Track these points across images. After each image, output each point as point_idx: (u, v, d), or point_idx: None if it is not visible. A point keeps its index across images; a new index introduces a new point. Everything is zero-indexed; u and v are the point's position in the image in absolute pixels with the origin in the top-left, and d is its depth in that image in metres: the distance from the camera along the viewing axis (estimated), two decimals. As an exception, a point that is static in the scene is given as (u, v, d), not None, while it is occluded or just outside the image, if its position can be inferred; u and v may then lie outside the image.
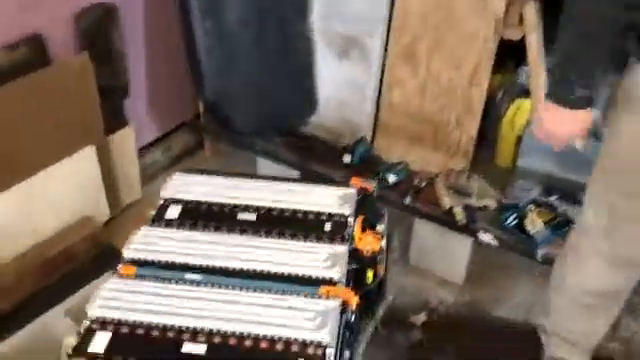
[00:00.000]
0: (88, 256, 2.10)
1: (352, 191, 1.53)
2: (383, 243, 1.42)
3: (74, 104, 2.06)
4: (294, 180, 1.60)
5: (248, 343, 1.13)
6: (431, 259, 2.22)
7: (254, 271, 1.29)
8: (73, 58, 2.04)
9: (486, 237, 2.00)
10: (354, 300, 1.25)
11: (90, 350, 1.11)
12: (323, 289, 1.24)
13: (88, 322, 1.16)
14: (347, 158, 2.28)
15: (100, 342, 1.12)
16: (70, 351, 1.10)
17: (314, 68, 2.44)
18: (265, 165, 2.49)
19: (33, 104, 1.94)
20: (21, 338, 1.66)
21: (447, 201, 2.06)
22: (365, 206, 1.51)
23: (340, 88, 2.43)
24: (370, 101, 2.40)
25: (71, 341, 1.11)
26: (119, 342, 1.13)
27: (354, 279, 1.34)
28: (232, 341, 1.13)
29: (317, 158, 2.38)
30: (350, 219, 1.44)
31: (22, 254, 2.04)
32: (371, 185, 1.56)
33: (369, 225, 1.46)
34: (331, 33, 2.31)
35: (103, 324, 1.16)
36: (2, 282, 1.95)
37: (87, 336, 1.13)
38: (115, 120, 2.31)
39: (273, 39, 2.32)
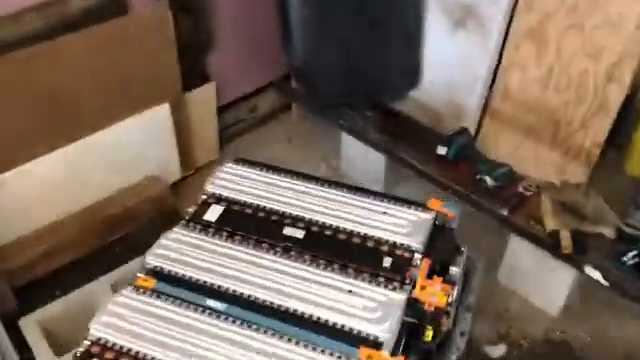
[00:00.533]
0: (149, 218, 2.00)
1: (427, 217, 1.25)
2: (454, 294, 1.14)
3: (149, 57, 1.91)
4: (359, 190, 1.33)
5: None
6: (523, 282, 1.90)
7: (285, 310, 1.07)
8: (151, 8, 1.86)
9: (595, 274, 1.64)
10: (402, 366, 1.00)
11: None
12: (363, 353, 1.00)
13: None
14: (442, 150, 1.97)
15: None
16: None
17: (421, 36, 2.12)
18: (349, 142, 2.24)
19: (105, 54, 1.81)
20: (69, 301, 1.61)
21: (552, 223, 1.71)
22: (440, 238, 1.23)
23: (449, 63, 2.12)
24: (482, 82, 2.07)
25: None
26: None
27: (408, 334, 1.09)
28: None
29: (408, 143, 2.09)
30: (417, 256, 1.17)
31: (86, 209, 1.97)
32: (453, 212, 1.26)
33: (440, 266, 1.18)
34: (447, -3, 1.97)
35: None
36: (65, 237, 1.90)
37: None
38: (196, 76, 2.15)
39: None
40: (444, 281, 1.15)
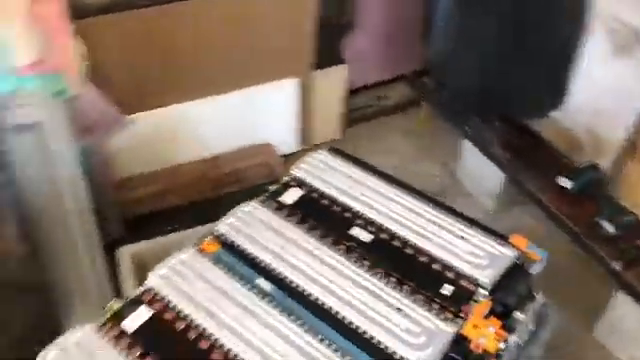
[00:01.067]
0: (254, 183, 2.08)
1: (507, 253, 1.16)
2: (511, 341, 1.05)
3: (286, 30, 1.95)
4: (445, 208, 1.26)
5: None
6: (623, 344, 1.71)
7: (327, 308, 1.06)
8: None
9: None
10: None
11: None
12: (391, 375, 0.97)
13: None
14: (566, 182, 1.81)
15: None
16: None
17: (575, 56, 1.95)
18: (470, 150, 2.13)
19: (244, 19, 1.87)
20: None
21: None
22: (514, 279, 1.14)
23: (601, 91, 1.93)
24: (635, 117, 1.85)
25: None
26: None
27: (448, 370, 1.03)
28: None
29: (531, 166, 1.95)
30: (481, 291, 1.09)
31: (202, 161, 2.10)
32: (539, 256, 1.16)
33: (504, 308, 1.09)
34: (615, 19, 1.77)
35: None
36: (179, 182, 2.05)
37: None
38: (329, 56, 2.16)
39: (532, 8, 1.88)
40: (503, 326, 1.06)
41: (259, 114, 2.09)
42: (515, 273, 1.14)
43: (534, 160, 1.98)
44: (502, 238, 1.19)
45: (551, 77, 2.02)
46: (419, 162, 2.34)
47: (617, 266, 1.62)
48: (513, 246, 1.17)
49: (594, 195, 1.78)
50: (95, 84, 1.71)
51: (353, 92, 2.35)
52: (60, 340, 1.00)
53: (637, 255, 1.63)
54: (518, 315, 1.10)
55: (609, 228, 1.67)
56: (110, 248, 1.74)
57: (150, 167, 2.00)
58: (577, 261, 1.82)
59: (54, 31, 1.51)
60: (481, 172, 2.16)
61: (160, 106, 1.91)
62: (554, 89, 2.05)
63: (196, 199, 2.05)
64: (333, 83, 2.21)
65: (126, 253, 1.67)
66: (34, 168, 1.56)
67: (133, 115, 1.86)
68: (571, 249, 1.78)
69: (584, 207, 1.78)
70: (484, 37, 1.94)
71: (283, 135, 2.19)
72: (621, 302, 1.67)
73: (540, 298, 1.14)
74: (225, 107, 2.01)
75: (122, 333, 1.02)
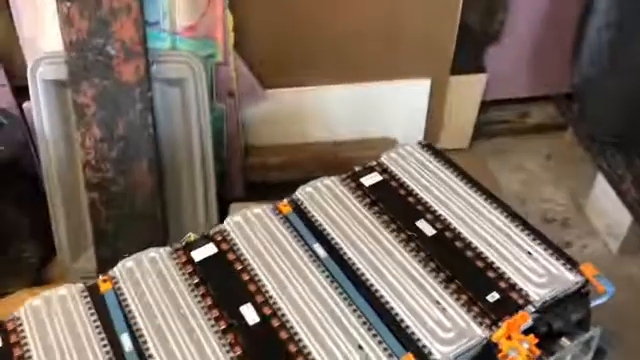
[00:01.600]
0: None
1: (570, 278, 1.11)
2: (544, 363, 1.02)
3: (427, 29, 1.99)
4: (523, 222, 1.23)
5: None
6: None
7: (369, 286, 1.11)
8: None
9: None
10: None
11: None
12: (406, 358, 0.99)
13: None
14: (697, 235, 1.63)
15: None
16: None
17: None
18: (602, 186, 2.00)
19: (385, 14, 1.94)
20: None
21: None
22: (569, 306, 1.09)
23: None
24: None
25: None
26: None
27: (472, 374, 1.03)
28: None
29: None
30: (529, 308, 1.07)
31: (323, 143, 2.22)
32: (605, 287, 1.09)
33: (549, 330, 1.05)
34: None
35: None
36: (302, 158, 2.19)
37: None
38: (471, 62, 2.16)
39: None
40: (543, 347, 1.03)
41: (389, 109, 2.16)
42: (572, 299, 1.09)
43: (669, 206, 1.80)
44: (571, 262, 1.13)
45: None
46: (546, 187, 2.23)
47: None
48: (579, 272, 1.11)
49: None
50: (241, 55, 1.91)
51: (494, 104, 2.31)
52: (138, 254, 1.17)
53: None
54: (564, 341, 1.05)
55: None
56: (229, 204, 1.93)
57: (278, 140, 2.17)
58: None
59: (210, 2, 1.72)
60: (610, 210, 2.01)
61: (297, 85, 2.06)
62: None
63: (314, 177, 2.18)
64: (469, 91, 2.20)
65: (237, 208, 1.84)
66: (173, 117, 1.79)
67: (271, 90, 2.04)
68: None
69: None
70: (635, 66, 1.81)
71: (410, 135, 2.23)
72: None
73: (597, 333, 1.07)
74: (358, 97, 2.11)
75: (189, 261, 1.17)
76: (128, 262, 1.16)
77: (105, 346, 1.03)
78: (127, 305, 1.09)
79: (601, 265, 1.94)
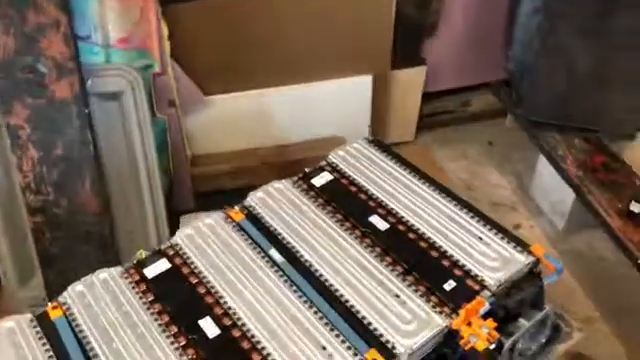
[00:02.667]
0: (320, 174, 2.15)
1: (521, 259, 1.14)
2: (506, 345, 1.04)
3: (363, 26, 2.00)
4: (471, 209, 1.26)
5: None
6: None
7: (329, 286, 1.11)
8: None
9: None
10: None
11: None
12: (370, 355, 0.99)
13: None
14: (636, 207, 1.71)
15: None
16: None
17: None
18: (544, 168, 2.06)
19: (322, 13, 1.95)
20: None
21: None
22: (523, 287, 1.12)
23: None
24: None
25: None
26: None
27: (433, 361, 1.04)
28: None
29: (605, 190, 1.85)
30: (485, 292, 1.09)
31: (274, 147, 2.21)
32: (554, 265, 1.13)
33: (506, 313, 1.08)
34: None
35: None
36: (249, 164, 2.17)
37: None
38: (409, 56, 2.18)
39: (624, 28, 1.80)
40: (502, 329, 1.05)
41: (333, 108, 2.16)
42: (526, 280, 1.12)
43: (608, 182, 1.88)
44: (521, 244, 1.16)
45: (638, 97, 1.91)
46: (491, 172, 2.29)
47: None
48: (530, 253, 1.14)
49: (666, 224, 1.65)
50: (179, 63, 1.87)
51: (435, 95, 2.35)
52: (88, 277, 1.13)
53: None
54: (521, 322, 1.08)
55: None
56: (179, 216, 1.89)
57: (225, 148, 2.14)
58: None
59: (143, 11, 1.68)
60: (553, 190, 2.08)
61: (239, 90, 2.04)
62: (642, 108, 1.94)
63: (264, 182, 2.16)
64: (411, 84, 2.23)
65: (188, 220, 1.81)
66: (114, 132, 1.74)
67: (213, 96, 2.01)
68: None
69: (650, 236, 1.67)
70: (570, 53, 1.87)
71: (356, 131, 2.23)
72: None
73: (550, 312, 1.11)
74: (301, 97, 2.10)
75: (142, 279, 1.14)
76: (78, 286, 1.12)
77: (61, 376, 0.99)
78: (81, 330, 1.05)
79: (549, 243, 2.02)
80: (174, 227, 1.82)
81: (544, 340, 1.14)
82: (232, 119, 2.07)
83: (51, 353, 1.02)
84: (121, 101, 1.73)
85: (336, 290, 1.10)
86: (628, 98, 1.91)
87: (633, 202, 1.72)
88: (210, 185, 2.13)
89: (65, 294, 1.11)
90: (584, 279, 1.90)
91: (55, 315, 1.07)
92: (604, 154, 1.96)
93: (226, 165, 2.13)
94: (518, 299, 1.08)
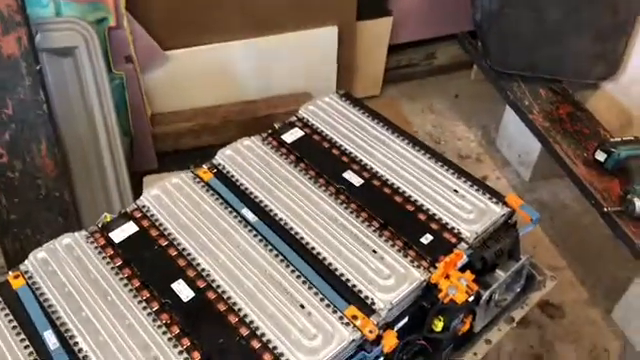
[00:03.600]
0: (288, 130, 2.10)
1: (496, 210, 1.13)
2: (484, 296, 1.04)
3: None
4: (446, 161, 1.24)
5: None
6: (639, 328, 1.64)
7: (305, 244, 1.08)
8: None
9: None
10: (390, 342, 0.97)
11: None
12: (349, 311, 0.98)
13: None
14: (600, 155, 1.72)
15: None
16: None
17: (631, 23, 1.85)
18: (511, 118, 2.06)
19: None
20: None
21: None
22: (500, 238, 1.11)
23: None
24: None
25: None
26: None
27: (414, 317, 1.03)
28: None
29: (570, 138, 1.87)
30: (462, 245, 1.08)
31: (238, 103, 2.14)
32: (531, 216, 1.12)
33: (484, 264, 1.07)
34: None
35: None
36: (212, 122, 2.10)
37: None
38: (374, 7, 2.12)
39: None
40: (479, 281, 1.05)
41: (299, 61, 2.10)
42: (502, 231, 1.11)
43: (573, 131, 1.89)
44: (496, 195, 1.15)
45: (602, 42, 1.92)
46: (458, 125, 2.28)
47: (641, 246, 1.54)
48: (506, 205, 1.14)
49: (629, 171, 1.68)
50: (135, 17, 1.77)
51: (401, 48, 2.31)
52: (51, 242, 1.07)
53: (665, 237, 1.54)
54: (498, 273, 1.08)
55: (638, 206, 1.58)
56: (141, 177, 1.82)
57: (187, 105, 2.06)
58: (609, 239, 1.75)
59: (94, -40, 1.57)
60: (519, 140, 2.09)
61: (199, 44, 1.95)
62: (605, 56, 1.94)
63: (229, 140, 2.10)
64: (376, 36, 2.18)
65: (151, 181, 1.74)
66: (69, 90, 1.65)
67: (172, 51, 1.92)
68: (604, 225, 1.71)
69: (617, 183, 1.70)
70: (537, 2, 1.85)
71: (322, 86, 2.18)
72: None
73: (526, 260, 1.11)
74: (265, 51, 2.03)
75: (108, 243, 1.08)
76: (40, 252, 1.06)
77: (27, 347, 0.94)
78: (46, 300, 1.00)
79: (515, 193, 2.04)
80: (137, 189, 1.76)
81: (519, 290, 1.15)
82: (193, 75, 1.99)
83: (15, 323, 0.97)
84: (75, 57, 1.64)
85: (312, 248, 1.07)
86: (593, 47, 1.92)
87: (598, 151, 1.74)
88: (172, 144, 2.06)
89: (27, 262, 1.05)
90: (550, 228, 1.93)
91: (17, 284, 1.02)
92: (570, 104, 1.97)
93: (188, 123, 2.06)
94: (495, 250, 1.08)
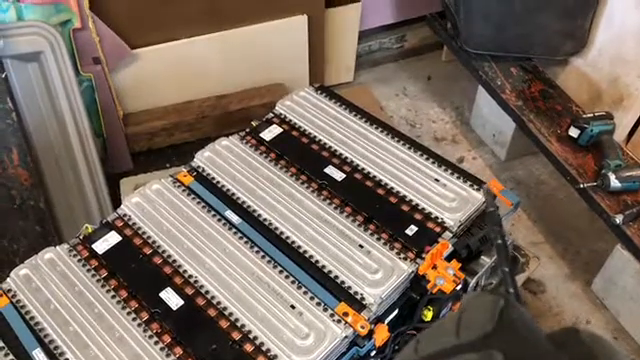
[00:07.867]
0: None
1: (478, 197, 1.14)
2: (471, 283, 1.05)
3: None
4: (425, 151, 1.25)
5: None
6: (618, 300, 1.68)
7: (291, 243, 1.08)
8: None
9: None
10: (381, 335, 0.98)
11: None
12: (340, 308, 0.98)
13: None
14: (574, 132, 1.75)
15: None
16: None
17: (597, 1, 1.87)
18: (484, 98, 2.08)
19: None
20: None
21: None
22: (483, 224, 1.12)
23: (626, 36, 1.84)
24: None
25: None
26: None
27: (404, 309, 1.04)
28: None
29: (543, 115, 1.88)
30: (447, 234, 1.09)
31: (210, 98, 2.11)
32: (511, 201, 1.14)
33: (469, 252, 1.09)
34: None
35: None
36: (185, 119, 2.07)
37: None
38: (342, -8, 2.11)
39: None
40: (464, 269, 1.06)
41: (270, 52, 2.07)
42: (490, 218, 1.12)
43: (546, 108, 1.91)
44: (477, 182, 1.16)
45: (570, 22, 1.93)
46: (432, 107, 2.29)
47: (617, 219, 1.57)
48: (488, 190, 1.15)
49: (602, 146, 1.71)
50: (100, 16, 1.73)
51: (371, 33, 2.30)
52: (33, 258, 1.05)
53: (638, 212, 1.58)
54: (483, 259, 1.09)
55: (612, 182, 1.61)
56: (118, 180, 1.79)
57: (159, 103, 2.02)
58: (585, 213, 1.78)
59: (53, -39, 1.52)
60: (493, 119, 2.10)
61: (167, 41, 1.91)
62: (573, 31, 1.96)
63: (203, 136, 2.08)
64: (346, 22, 2.16)
65: (129, 183, 1.72)
66: (37, 96, 1.61)
67: (140, 49, 1.88)
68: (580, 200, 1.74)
69: (591, 158, 1.73)
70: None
71: (295, 76, 2.17)
72: (618, 256, 1.63)
73: (511, 244, 1.12)
74: (234, 43, 2.00)
75: (92, 254, 1.07)
76: (22, 270, 1.04)
77: (17, 368, 0.92)
78: (32, 317, 0.99)
79: (492, 173, 2.07)
80: (114, 191, 1.74)
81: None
82: (163, 72, 1.95)
83: (2, 344, 0.95)
84: (41, 62, 1.59)
85: (299, 247, 1.07)
86: (562, 23, 1.93)
87: (571, 127, 1.76)
88: (146, 144, 2.02)
89: (9, 280, 1.03)
90: (527, 205, 1.96)
91: (1, 304, 1.00)
92: (541, 82, 1.99)
93: (161, 121, 2.03)
94: (479, 237, 1.09)
